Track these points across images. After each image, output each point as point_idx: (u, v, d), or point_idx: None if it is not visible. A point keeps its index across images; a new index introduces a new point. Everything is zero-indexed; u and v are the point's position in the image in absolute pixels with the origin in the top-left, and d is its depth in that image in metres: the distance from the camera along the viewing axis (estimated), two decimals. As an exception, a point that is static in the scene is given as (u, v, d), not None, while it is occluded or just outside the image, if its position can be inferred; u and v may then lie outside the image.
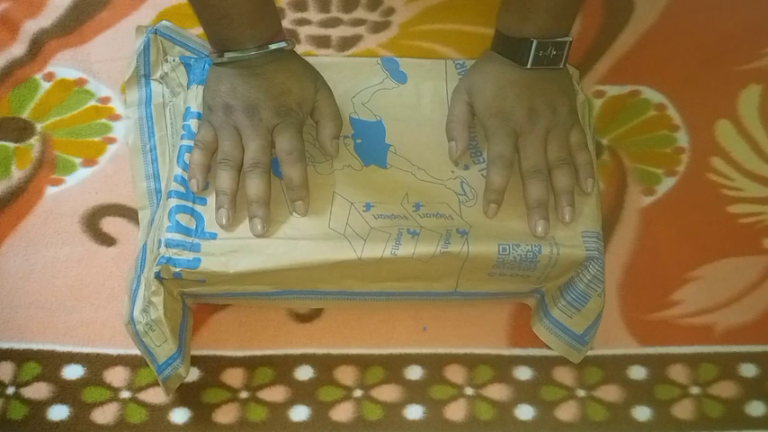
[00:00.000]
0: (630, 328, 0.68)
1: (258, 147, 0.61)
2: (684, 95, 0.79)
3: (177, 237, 0.60)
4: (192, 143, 0.63)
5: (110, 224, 0.70)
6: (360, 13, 0.82)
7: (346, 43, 0.80)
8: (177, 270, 0.59)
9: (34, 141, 0.74)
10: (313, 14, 0.82)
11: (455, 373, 0.66)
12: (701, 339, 0.68)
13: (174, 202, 0.61)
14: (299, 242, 0.60)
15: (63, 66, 0.78)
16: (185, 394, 0.63)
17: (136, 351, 0.64)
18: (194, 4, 0.62)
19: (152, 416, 0.63)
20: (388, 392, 0.65)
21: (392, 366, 0.66)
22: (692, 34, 0.83)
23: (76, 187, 0.72)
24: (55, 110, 0.75)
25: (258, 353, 0.66)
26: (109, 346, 0.65)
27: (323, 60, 0.70)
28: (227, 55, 0.62)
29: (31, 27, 0.79)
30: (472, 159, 0.66)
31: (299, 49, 0.76)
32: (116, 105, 0.76)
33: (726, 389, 0.66)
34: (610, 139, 0.77)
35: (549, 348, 0.66)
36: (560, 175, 0.63)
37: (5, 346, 0.65)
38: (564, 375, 0.66)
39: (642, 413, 0.65)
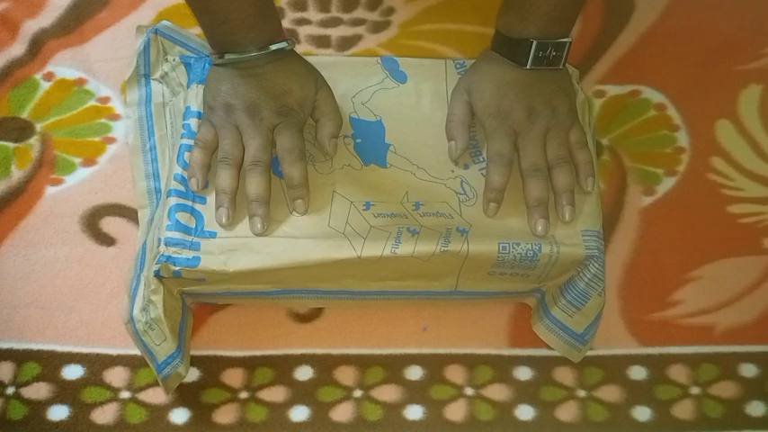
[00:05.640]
0: (630, 328, 0.68)
1: (259, 145, 0.61)
2: (684, 95, 0.79)
3: (177, 235, 0.60)
4: (192, 142, 0.63)
5: (109, 224, 0.70)
6: (360, 12, 0.82)
7: (346, 43, 0.81)
8: (177, 268, 0.59)
9: (34, 141, 0.74)
10: (313, 14, 0.82)
11: (455, 374, 0.66)
12: (701, 339, 0.68)
13: (173, 200, 0.61)
14: (299, 241, 0.60)
15: (63, 65, 0.78)
16: (185, 394, 0.63)
17: (136, 351, 0.64)
18: (194, 9, 0.62)
19: (152, 416, 0.63)
20: (388, 392, 0.65)
21: (392, 366, 0.65)
22: (692, 34, 0.83)
23: (76, 187, 0.72)
24: (54, 110, 0.75)
25: (258, 353, 0.66)
26: (109, 346, 0.65)
27: (323, 60, 0.70)
28: (228, 56, 0.62)
29: (30, 27, 0.79)
30: (472, 159, 0.66)
31: (299, 48, 0.76)
32: (116, 105, 0.76)
33: (726, 389, 0.66)
34: (610, 138, 0.77)
35: (550, 348, 0.66)
36: (560, 174, 0.63)
37: (5, 346, 0.65)
38: (564, 375, 0.66)
39: (642, 413, 0.65)
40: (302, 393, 0.64)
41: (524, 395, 0.65)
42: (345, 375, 0.65)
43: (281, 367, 0.65)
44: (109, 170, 0.73)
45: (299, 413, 0.63)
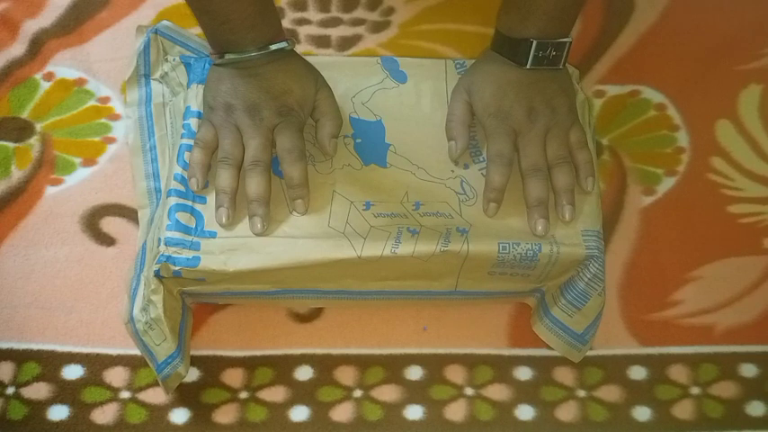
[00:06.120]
0: (630, 328, 0.68)
1: (259, 145, 0.61)
2: (684, 95, 0.79)
3: (177, 235, 0.60)
4: (192, 142, 0.63)
5: (109, 224, 0.70)
6: (359, 12, 0.82)
7: (346, 43, 0.81)
8: (177, 268, 0.59)
9: (34, 141, 0.74)
10: (313, 14, 0.82)
11: (455, 374, 0.66)
12: (701, 339, 0.68)
13: (173, 200, 0.61)
14: (299, 241, 0.60)
15: (63, 65, 0.78)
16: (185, 394, 0.63)
17: (136, 351, 0.64)
18: (194, 9, 0.62)
19: (152, 416, 0.63)
20: (388, 392, 0.65)
21: (392, 366, 0.65)
22: (692, 34, 0.83)
23: (76, 187, 0.72)
24: (55, 110, 0.75)
25: (258, 353, 0.66)
26: (109, 346, 0.65)
27: (323, 60, 0.70)
28: (228, 56, 0.62)
29: (30, 27, 0.79)
30: (472, 158, 0.66)
31: (299, 48, 0.76)
32: (116, 105, 0.76)
33: (726, 389, 0.66)
34: (610, 138, 0.77)
35: (550, 348, 0.66)
36: (560, 174, 0.63)
37: (5, 346, 0.65)
38: (564, 375, 0.66)
39: (642, 413, 0.65)
40: (302, 393, 0.64)
41: (524, 395, 0.65)
42: (345, 375, 0.65)
43: (281, 367, 0.65)
44: (109, 170, 0.73)
45: (299, 413, 0.63)
